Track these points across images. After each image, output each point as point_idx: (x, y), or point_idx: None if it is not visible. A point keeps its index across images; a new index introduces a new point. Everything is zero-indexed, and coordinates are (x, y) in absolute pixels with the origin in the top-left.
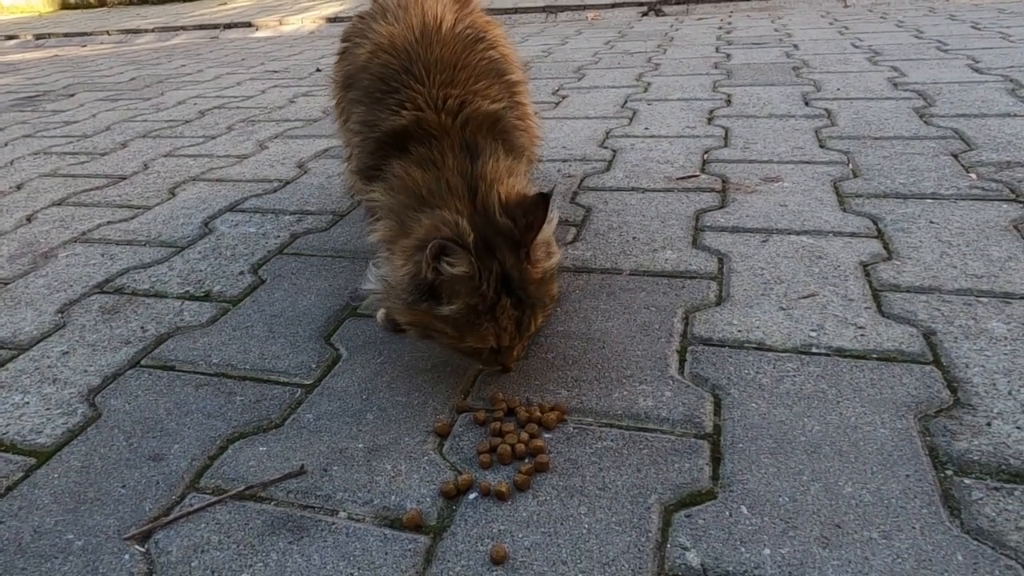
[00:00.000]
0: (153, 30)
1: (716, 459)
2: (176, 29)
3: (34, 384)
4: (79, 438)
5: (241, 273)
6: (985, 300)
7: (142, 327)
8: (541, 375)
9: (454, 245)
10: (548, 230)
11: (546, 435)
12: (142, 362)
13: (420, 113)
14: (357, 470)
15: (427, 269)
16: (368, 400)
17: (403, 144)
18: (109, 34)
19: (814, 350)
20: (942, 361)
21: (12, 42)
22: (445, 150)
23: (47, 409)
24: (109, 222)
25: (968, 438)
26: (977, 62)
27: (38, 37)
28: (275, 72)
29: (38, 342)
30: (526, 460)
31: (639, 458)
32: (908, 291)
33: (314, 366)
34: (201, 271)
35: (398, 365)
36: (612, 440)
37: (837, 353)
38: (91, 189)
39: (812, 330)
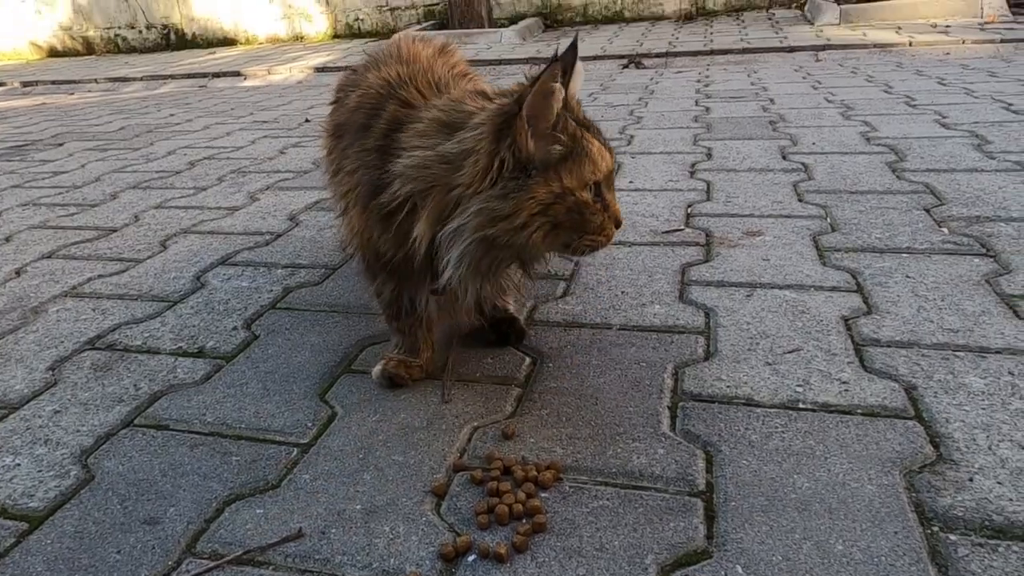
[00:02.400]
0: (141, 78)
1: (710, 517)
2: (165, 77)
3: (25, 445)
4: (72, 501)
5: (234, 328)
6: (962, 355)
7: (135, 385)
8: (536, 432)
9: (557, 67)
10: (578, 81)
11: (543, 494)
12: (135, 421)
13: (410, 104)
14: (355, 532)
15: (524, 133)
16: (365, 459)
17: (399, 127)
18: (97, 82)
19: (801, 406)
20: (924, 416)
21: None
22: (443, 100)
23: (39, 471)
24: (100, 276)
25: (952, 494)
26: (944, 117)
27: (25, 84)
28: (265, 122)
29: (29, 401)
30: (524, 520)
31: (635, 517)
32: (888, 345)
33: (310, 424)
34: (194, 326)
35: (394, 423)
36: (608, 499)
37: (823, 408)
38: (81, 241)
39: (798, 385)
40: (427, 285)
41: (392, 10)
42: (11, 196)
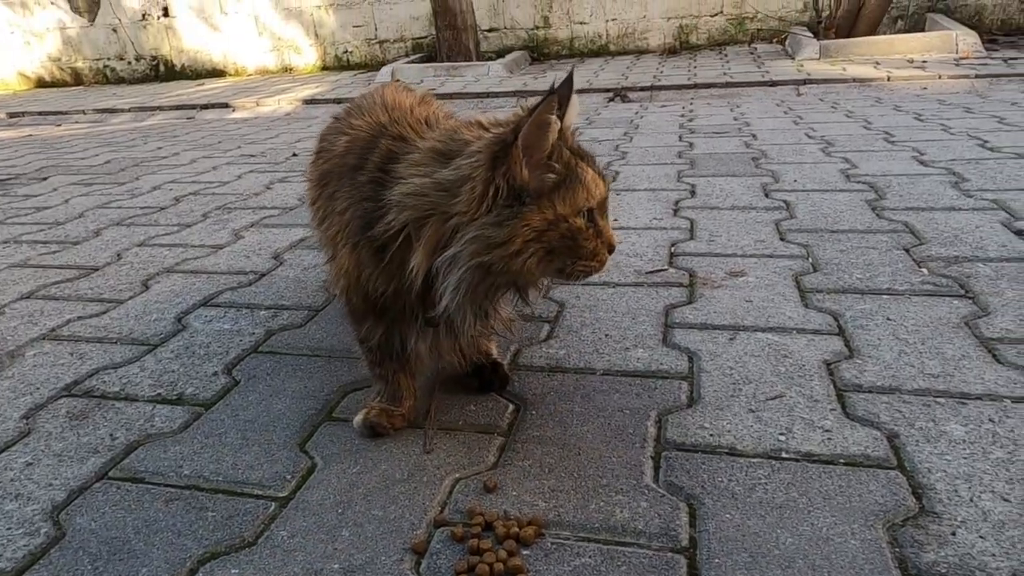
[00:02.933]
0: (129, 110)
1: (693, 575)
2: (152, 109)
3: None
4: (41, 561)
5: (215, 374)
6: (942, 401)
7: (111, 434)
8: (518, 485)
9: (554, 99)
10: (573, 114)
11: (524, 551)
12: (110, 473)
13: (403, 138)
14: None
15: (519, 163)
16: (343, 515)
17: (394, 159)
18: (85, 113)
19: (784, 455)
20: (906, 466)
21: None
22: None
23: (8, 528)
24: (80, 317)
25: (935, 549)
26: (922, 154)
27: (11, 116)
28: (252, 156)
29: (1, 452)
30: None
31: None
32: (870, 391)
33: (288, 477)
34: (174, 372)
35: (374, 474)
36: (590, 556)
37: (806, 458)
38: (62, 281)
39: (781, 434)
40: (419, 323)
41: (381, 43)
42: None
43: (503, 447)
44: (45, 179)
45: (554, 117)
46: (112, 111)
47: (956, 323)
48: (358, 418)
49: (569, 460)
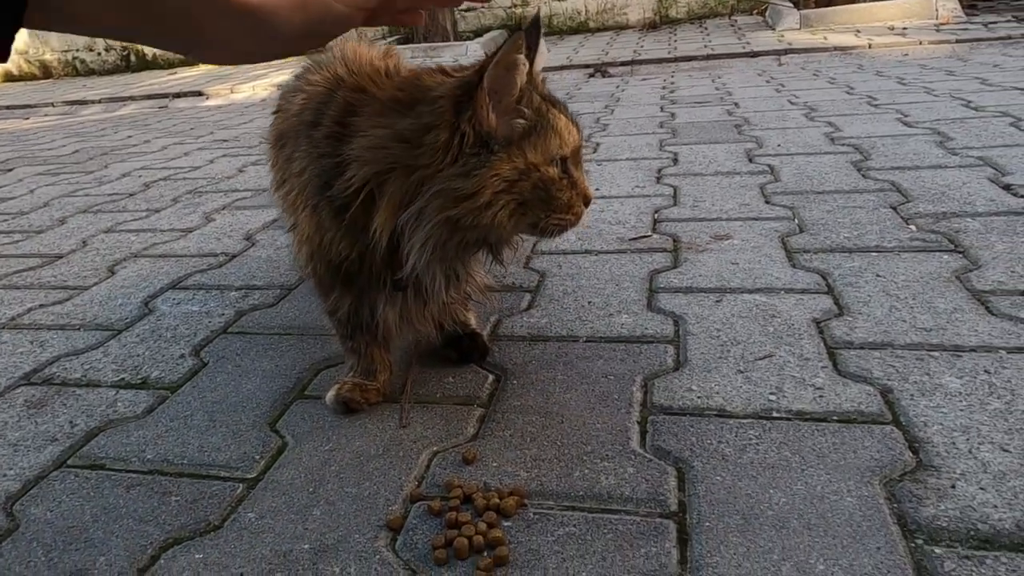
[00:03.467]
0: (100, 101)
1: (683, 540)
2: (124, 99)
3: None
4: None
5: (182, 356)
6: (936, 354)
7: (71, 421)
8: (499, 455)
9: (520, 37)
10: (541, 60)
11: (505, 523)
12: (69, 462)
13: (362, 88)
14: None
15: (486, 107)
16: (315, 493)
17: (352, 112)
18: (54, 106)
19: (775, 415)
20: (901, 421)
21: None
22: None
23: None
24: (41, 305)
25: (934, 503)
26: (906, 116)
27: None
28: (225, 141)
29: None
30: (485, 553)
31: (603, 544)
32: (862, 348)
33: (257, 457)
34: (138, 356)
35: (347, 452)
36: (575, 525)
37: (798, 417)
38: (24, 270)
39: (771, 393)
40: (387, 289)
41: None
42: None
43: (483, 418)
44: (10, 171)
45: (522, 57)
46: (82, 103)
47: (947, 277)
48: (330, 394)
49: (552, 428)
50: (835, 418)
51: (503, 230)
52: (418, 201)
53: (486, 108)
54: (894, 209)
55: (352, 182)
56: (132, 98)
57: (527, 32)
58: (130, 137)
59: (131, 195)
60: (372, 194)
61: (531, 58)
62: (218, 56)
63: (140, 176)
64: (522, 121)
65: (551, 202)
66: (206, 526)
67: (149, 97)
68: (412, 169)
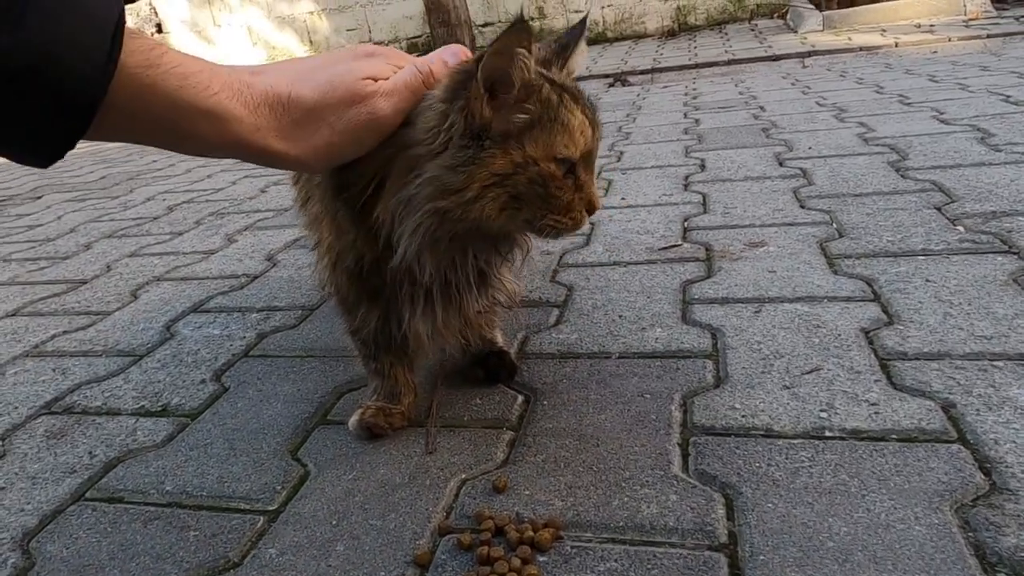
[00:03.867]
0: None
1: None
2: None
3: None
4: None
5: (202, 382)
6: (1000, 364)
7: (90, 452)
8: (531, 483)
9: (522, 28)
10: (580, 59)
11: (541, 558)
12: (87, 495)
13: None
14: None
15: (480, 99)
16: (338, 526)
17: None
18: None
19: (827, 434)
20: (968, 438)
21: None
22: None
23: None
24: (65, 332)
25: (1015, 532)
26: (942, 113)
27: None
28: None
29: None
30: None
31: None
32: (917, 359)
33: (279, 487)
34: (159, 382)
35: (372, 480)
36: (616, 560)
37: (853, 436)
38: (49, 296)
39: (822, 410)
40: (414, 294)
41: (376, 44)
42: None
43: (513, 442)
44: (39, 198)
45: (523, 51)
46: None
47: (1003, 280)
48: (353, 419)
49: (587, 452)
50: (894, 436)
51: (493, 223)
52: (409, 187)
53: (480, 100)
54: (938, 210)
55: (362, 171)
56: None
57: (571, 32)
58: (155, 161)
59: (155, 219)
60: (383, 183)
61: (566, 58)
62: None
63: (164, 199)
64: (523, 116)
65: (549, 201)
66: (225, 563)
67: None
68: (408, 153)
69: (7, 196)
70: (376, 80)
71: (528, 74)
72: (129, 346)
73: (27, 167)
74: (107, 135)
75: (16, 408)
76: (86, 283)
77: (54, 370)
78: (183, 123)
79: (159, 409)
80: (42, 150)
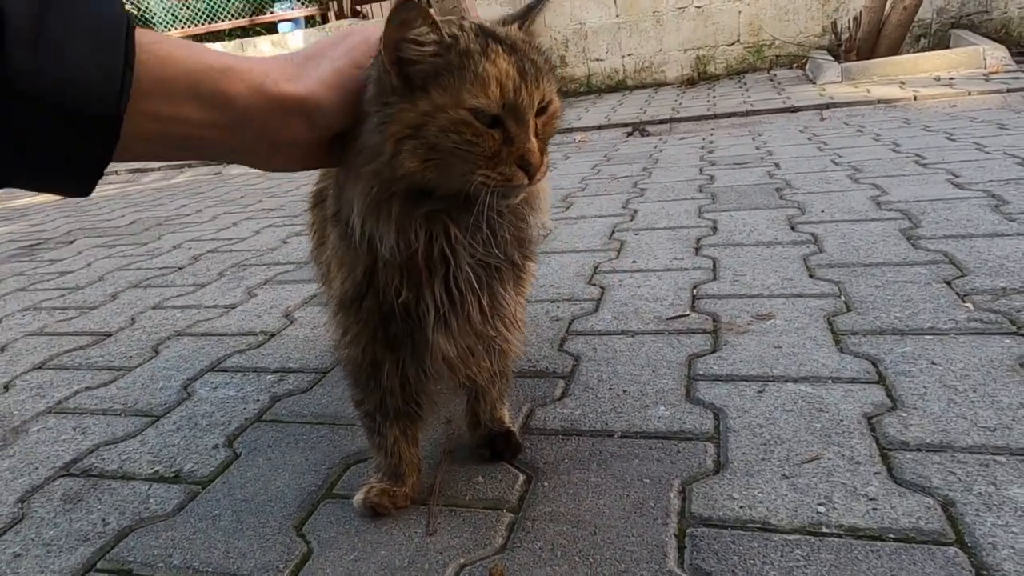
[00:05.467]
0: (159, 168)
1: None
2: (182, 167)
3: None
4: None
5: (215, 447)
6: (1002, 459)
7: (103, 519)
8: (528, 572)
9: (415, 14)
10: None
11: None
12: (98, 565)
13: None
14: None
15: (389, 58)
16: None
17: None
18: (117, 174)
19: (824, 530)
20: (966, 541)
21: None
22: None
23: None
24: (88, 388)
25: None
26: (957, 176)
27: None
28: (272, 210)
29: None
30: None
31: None
32: (918, 450)
33: (281, 566)
34: (174, 446)
35: (372, 561)
36: None
37: (850, 533)
38: (74, 349)
39: (820, 504)
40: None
41: None
42: (14, 300)
43: (512, 525)
44: (71, 242)
45: (413, 14)
46: (143, 170)
47: (1010, 365)
48: (358, 497)
49: (584, 541)
50: (891, 536)
51: (425, 179)
52: (353, 164)
53: (387, 68)
54: (948, 284)
55: (334, 175)
56: (189, 166)
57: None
58: (184, 206)
59: (180, 268)
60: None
61: (531, 16)
62: (284, 160)
63: (190, 248)
64: (424, 67)
65: (470, 152)
66: None
67: (205, 164)
68: (353, 144)
69: (41, 240)
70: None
71: (432, 34)
72: (147, 405)
73: (61, 207)
74: (139, 127)
75: (36, 468)
76: (111, 335)
77: (75, 428)
78: (206, 84)
79: (172, 475)
80: (79, 169)
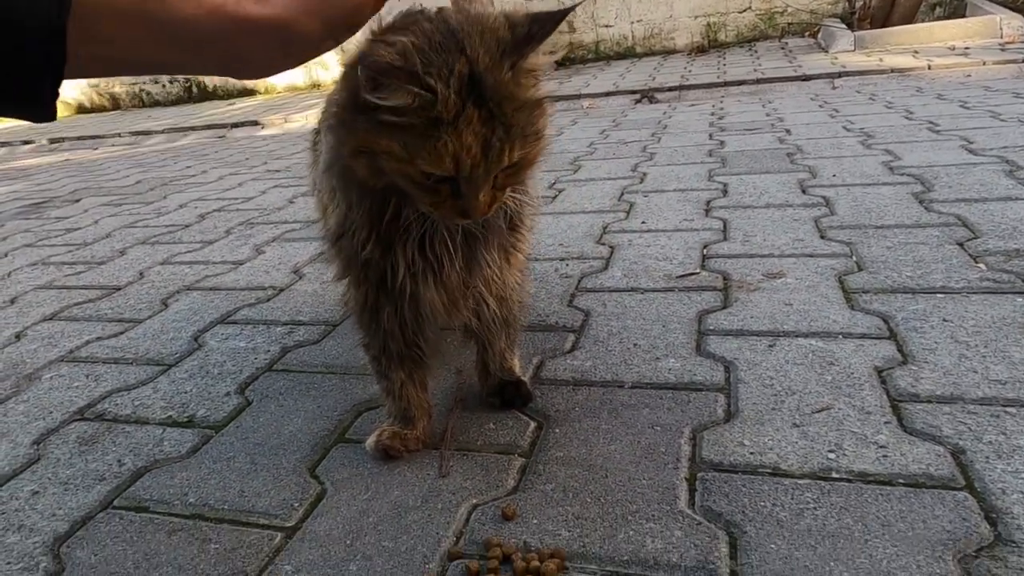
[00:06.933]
0: (163, 131)
1: None
2: (185, 130)
3: None
4: None
5: (227, 394)
6: (1013, 411)
7: (119, 460)
8: (539, 512)
9: (388, 69)
10: (543, 58)
11: None
12: (115, 503)
13: None
14: None
15: (365, 84)
16: (352, 546)
17: None
18: (120, 136)
19: (834, 475)
20: (976, 486)
21: (27, 147)
22: None
23: (8, 563)
24: (99, 338)
25: None
26: (971, 143)
27: (52, 141)
28: (277, 171)
29: (9, 479)
30: None
31: None
32: (929, 401)
33: (296, 504)
34: (186, 392)
35: (386, 501)
36: None
37: (860, 478)
38: (84, 302)
39: (830, 451)
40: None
41: None
42: (22, 256)
43: (524, 469)
44: (78, 201)
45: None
46: (146, 133)
47: (1022, 323)
48: (370, 440)
49: (595, 483)
50: (901, 481)
51: (376, 184)
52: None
53: (362, 92)
54: (960, 245)
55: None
56: (193, 128)
57: (543, 18)
58: (189, 167)
59: (186, 226)
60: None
61: (522, 53)
62: (256, 72)
63: (196, 207)
64: (392, 118)
65: (415, 190)
66: None
67: (208, 127)
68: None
69: (47, 198)
70: None
71: (402, 97)
72: (159, 355)
73: (66, 168)
74: (88, 51)
75: (51, 413)
76: (120, 289)
77: (87, 376)
78: (149, 8)
79: (185, 420)
80: (30, 92)
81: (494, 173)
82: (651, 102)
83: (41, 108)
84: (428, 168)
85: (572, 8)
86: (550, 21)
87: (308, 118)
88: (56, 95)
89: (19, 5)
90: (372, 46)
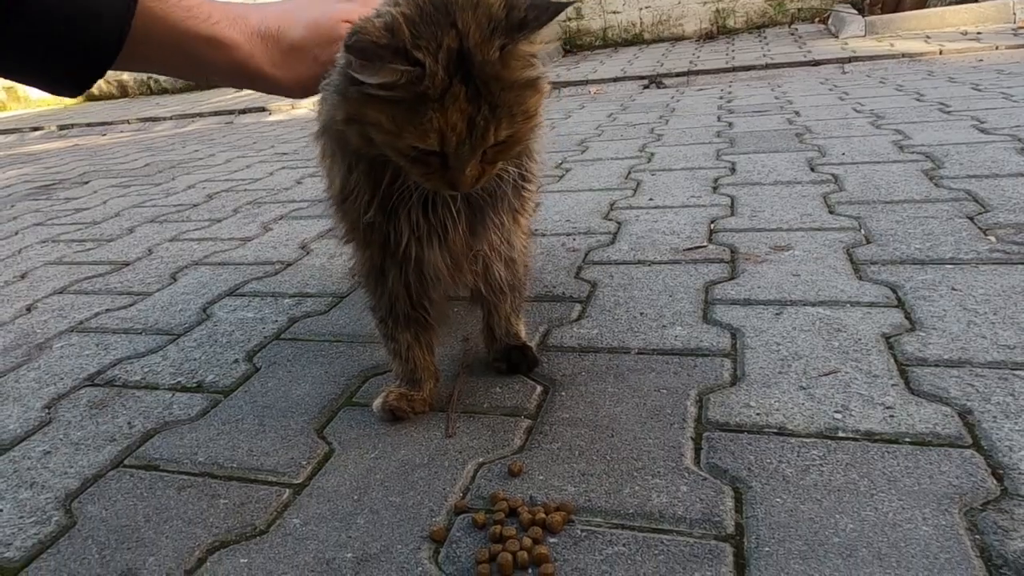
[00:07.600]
0: (171, 117)
1: (740, 565)
2: (193, 116)
3: (10, 489)
4: (50, 550)
5: (235, 361)
6: (1022, 374)
7: (129, 423)
8: (546, 469)
9: (373, 48)
10: (536, 46)
11: (551, 539)
12: (125, 462)
13: None
14: None
15: (351, 62)
16: (360, 501)
17: None
18: (129, 123)
19: (840, 434)
20: (983, 444)
21: (36, 133)
22: None
23: (20, 517)
24: (108, 310)
25: (1023, 536)
26: (982, 123)
27: (61, 128)
28: (284, 154)
29: (21, 441)
30: (529, 570)
31: (654, 566)
32: (937, 365)
33: (304, 463)
34: (195, 360)
35: (393, 460)
36: (624, 544)
37: (866, 437)
38: (94, 276)
39: (836, 412)
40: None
41: None
42: (32, 234)
43: (530, 430)
44: (86, 183)
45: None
46: (154, 119)
47: None
48: (377, 402)
49: (601, 442)
50: (907, 440)
51: (368, 152)
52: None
53: (352, 70)
54: (971, 219)
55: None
56: (200, 115)
57: (540, 6)
58: (197, 151)
59: (195, 206)
60: None
61: (515, 38)
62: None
63: (204, 188)
64: (384, 92)
65: (404, 161)
66: (252, 530)
67: (216, 113)
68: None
69: (57, 180)
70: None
71: (389, 74)
72: (167, 325)
73: (75, 152)
74: (130, 63)
75: (61, 379)
76: (129, 265)
77: (97, 345)
78: (190, 49)
79: (194, 385)
80: (74, 80)
81: (480, 150)
82: (659, 87)
83: (75, 91)
84: (414, 142)
85: (572, 2)
86: (547, 12)
87: (315, 104)
88: (95, 81)
89: (90, 18)
90: (363, 21)
